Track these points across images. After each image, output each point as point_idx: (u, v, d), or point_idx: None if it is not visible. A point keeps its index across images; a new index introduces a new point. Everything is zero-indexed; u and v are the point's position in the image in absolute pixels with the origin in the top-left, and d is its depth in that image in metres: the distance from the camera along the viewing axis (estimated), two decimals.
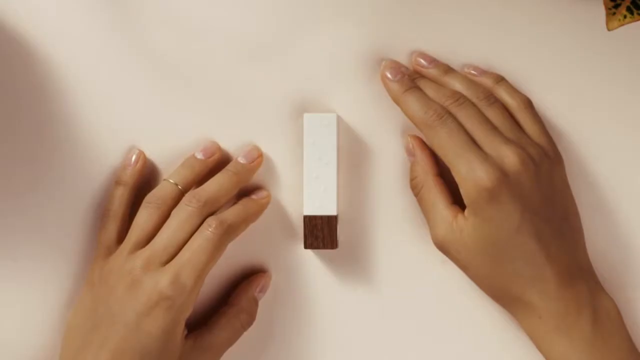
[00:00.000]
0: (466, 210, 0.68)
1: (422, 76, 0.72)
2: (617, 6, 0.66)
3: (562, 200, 0.70)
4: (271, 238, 0.73)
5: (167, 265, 0.67)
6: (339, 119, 0.73)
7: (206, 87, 0.73)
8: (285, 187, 0.73)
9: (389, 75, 0.71)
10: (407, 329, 0.73)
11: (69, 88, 0.73)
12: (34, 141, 0.73)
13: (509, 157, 0.67)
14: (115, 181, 0.72)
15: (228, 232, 0.68)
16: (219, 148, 0.72)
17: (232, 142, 0.73)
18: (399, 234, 0.73)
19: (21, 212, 0.73)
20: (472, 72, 0.72)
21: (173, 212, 0.70)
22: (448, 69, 0.72)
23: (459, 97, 0.70)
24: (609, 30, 0.67)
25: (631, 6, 0.66)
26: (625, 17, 0.66)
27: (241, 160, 0.72)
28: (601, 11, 0.72)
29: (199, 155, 0.72)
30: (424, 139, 0.72)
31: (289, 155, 0.73)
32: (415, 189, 0.71)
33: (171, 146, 0.73)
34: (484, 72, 0.72)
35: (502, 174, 0.67)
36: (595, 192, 0.73)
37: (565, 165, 0.72)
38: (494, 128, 0.69)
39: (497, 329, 0.73)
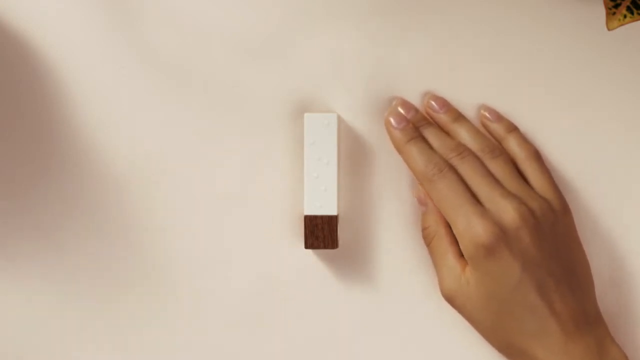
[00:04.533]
0: (468, 265, 0.68)
1: (429, 122, 0.72)
2: (617, 6, 0.66)
3: (568, 253, 0.69)
4: (271, 238, 0.73)
5: None
6: (339, 119, 0.73)
7: (206, 86, 0.73)
8: (285, 187, 0.73)
9: (393, 123, 0.71)
10: (407, 329, 0.73)
11: (68, 88, 0.73)
12: (34, 141, 0.73)
13: (508, 211, 0.67)
14: None
15: None
16: None
17: (232, 142, 0.73)
18: (399, 234, 0.73)
19: (21, 212, 0.73)
20: (487, 115, 0.72)
21: None
22: (458, 116, 0.72)
23: (462, 150, 0.70)
24: (609, 30, 0.67)
25: (631, 6, 0.66)
26: (625, 17, 0.66)
27: None
28: (601, 11, 0.72)
29: None
30: None
31: (289, 155, 0.73)
32: (427, 238, 0.71)
33: (171, 146, 0.73)
34: (498, 118, 0.72)
35: (500, 230, 0.66)
36: (593, 191, 0.73)
37: (563, 166, 0.72)
38: (495, 181, 0.69)
39: None
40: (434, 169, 0.69)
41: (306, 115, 0.71)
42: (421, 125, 0.71)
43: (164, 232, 0.73)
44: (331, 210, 0.70)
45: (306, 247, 0.71)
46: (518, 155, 0.71)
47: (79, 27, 0.73)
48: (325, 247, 0.70)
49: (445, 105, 0.72)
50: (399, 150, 0.71)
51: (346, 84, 0.73)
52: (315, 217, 0.71)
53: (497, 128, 0.72)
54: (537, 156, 0.71)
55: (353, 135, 0.73)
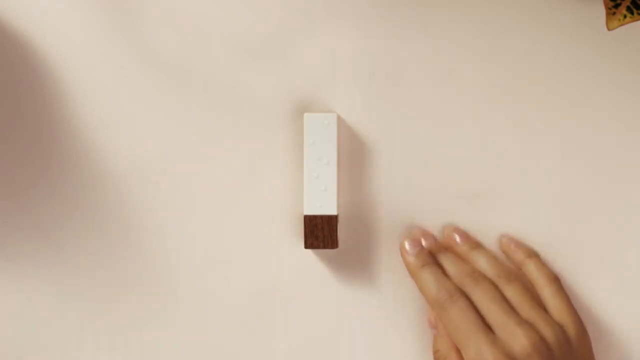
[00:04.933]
0: None
1: (445, 250, 0.72)
2: (617, 6, 0.66)
3: None
4: (271, 238, 0.73)
5: None
6: (339, 119, 0.73)
7: (206, 87, 0.73)
8: (285, 187, 0.73)
9: (407, 248, 0.71)
10: (407, 329, 0.73)
11: (68, 88, 0.73)
12: (34, 141, 0.73)
13: (520, 340, 0.66)
14: None
15: None
16: None
17: (232, 142, 0.73)
18: (399, 234, 0.73)
19: (21, 212, 0.73)
20: (508, 243, 0.72)
21: None
22: (477, 245, 0.72)
23: (477, 276, 0.69)
24: (609, 30, 0.67)
25: (631, 6, 0.66)
26: (625, 17, 0.66)
27: None
28: (601, 11, 0.72)
29: None
30: None
31: (289, 155, 0.73)
32: None
33: (171, 146, 0.73)
34: (519, 245, 0.72)
35: (511, 359, 0.66)
36: (594, 190, 0.73)
37: (562, 166, 0.72)
38: (508, 308, 0.68)
39: None
40: (446, 294, 0.68)
41: (306, 115, 0.71)
42: (437, 252, 0.71)
43: (164, 232, 0.73)
44: (331, 210, 0.70)
45: (306, 247, 0.71)
46: (537, 279, 0.71)
47: (79, 27, 0.73)
48: (325, 247, 0.70)
49: (466, 237, 0.72)
50: (413, 276, 0.71)
51: (346, 84, 0.73)
52: (315, 217, 0.71)
53: (517, 253, 0.71)
54: (556, 281, 0.70)
55: (353, 135, 0.73)
